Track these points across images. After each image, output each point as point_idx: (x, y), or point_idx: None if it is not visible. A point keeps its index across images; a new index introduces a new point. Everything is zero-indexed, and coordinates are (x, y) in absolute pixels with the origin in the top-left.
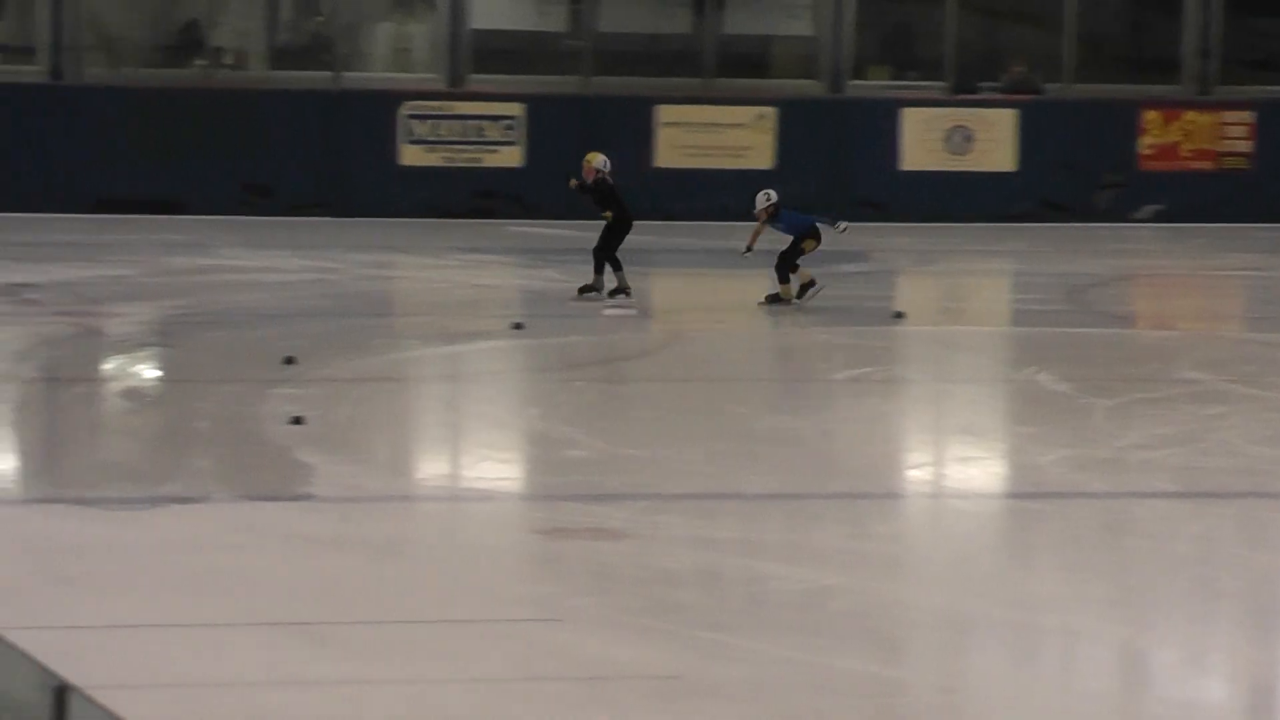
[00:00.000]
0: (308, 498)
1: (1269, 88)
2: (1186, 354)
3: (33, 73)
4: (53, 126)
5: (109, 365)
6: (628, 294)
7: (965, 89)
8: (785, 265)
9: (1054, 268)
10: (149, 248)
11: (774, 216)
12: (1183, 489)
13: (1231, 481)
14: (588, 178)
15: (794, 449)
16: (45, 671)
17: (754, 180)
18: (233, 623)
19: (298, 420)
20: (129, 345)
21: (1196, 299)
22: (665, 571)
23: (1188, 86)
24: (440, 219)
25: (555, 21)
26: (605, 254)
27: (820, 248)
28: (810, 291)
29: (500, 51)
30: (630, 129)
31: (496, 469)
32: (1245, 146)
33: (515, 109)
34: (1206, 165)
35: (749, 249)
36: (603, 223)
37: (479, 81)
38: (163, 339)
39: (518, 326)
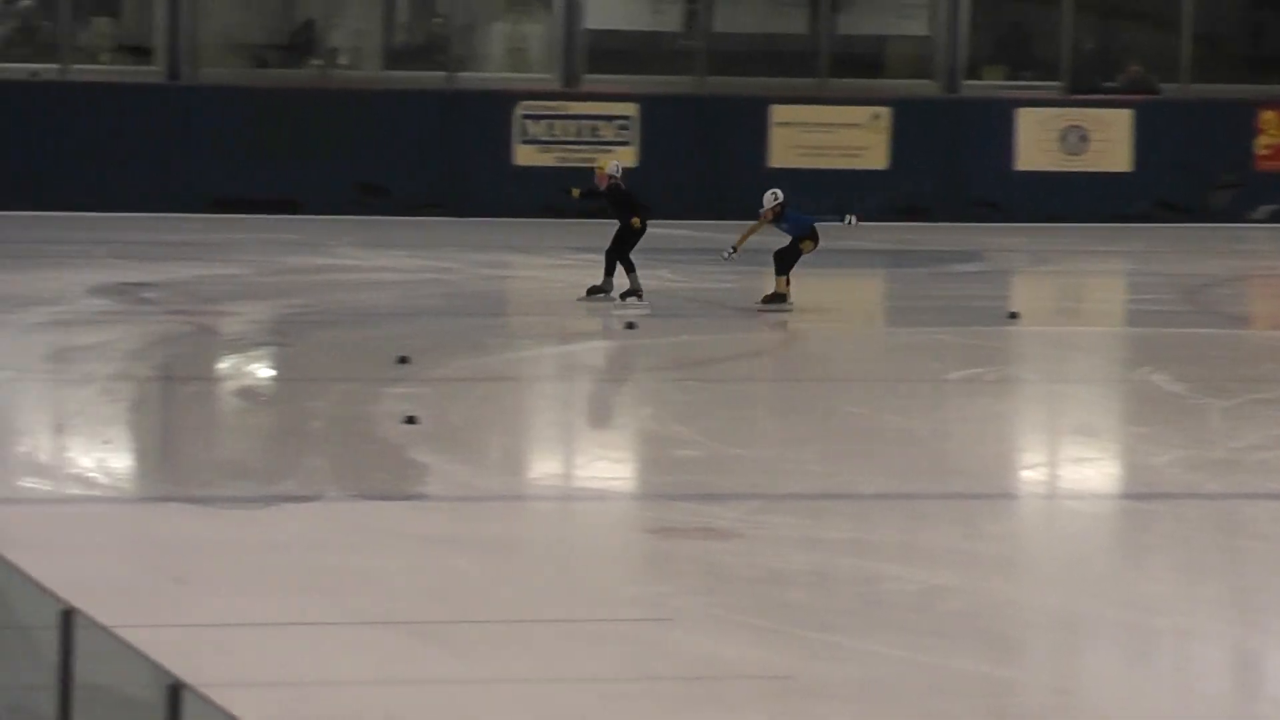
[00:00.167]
0: (421, 497)
1: None
2: None
3: (150, 73)
4: (169, 127)
5: (224, 364)
6: (639, 297)
7: (1081, 89)
8: (785, 263)
9: (1169, 268)
10: (264, 247)
11: (779, 217)
12: None
13: None
14: (600, 184)
15: (907, 449)
16: (160, 669)
17: (868, 180)
18: (346, 622)
19: (411, 420)
20: (244, 344)
21: None
22: (776, 571)
23: None
24: (554, 219)
25: (670, 21)
26: (618, 257)
27: (819, 247)
28: (776, 305)
29: (615, 51)
30: (744, 129)
31: (608, 468)
32: None
33: (629, 109)
34: None
35: (734, 250)
36: (615, 224)
37: (593, 81)
38: (277, 338)
39: (631, 326)
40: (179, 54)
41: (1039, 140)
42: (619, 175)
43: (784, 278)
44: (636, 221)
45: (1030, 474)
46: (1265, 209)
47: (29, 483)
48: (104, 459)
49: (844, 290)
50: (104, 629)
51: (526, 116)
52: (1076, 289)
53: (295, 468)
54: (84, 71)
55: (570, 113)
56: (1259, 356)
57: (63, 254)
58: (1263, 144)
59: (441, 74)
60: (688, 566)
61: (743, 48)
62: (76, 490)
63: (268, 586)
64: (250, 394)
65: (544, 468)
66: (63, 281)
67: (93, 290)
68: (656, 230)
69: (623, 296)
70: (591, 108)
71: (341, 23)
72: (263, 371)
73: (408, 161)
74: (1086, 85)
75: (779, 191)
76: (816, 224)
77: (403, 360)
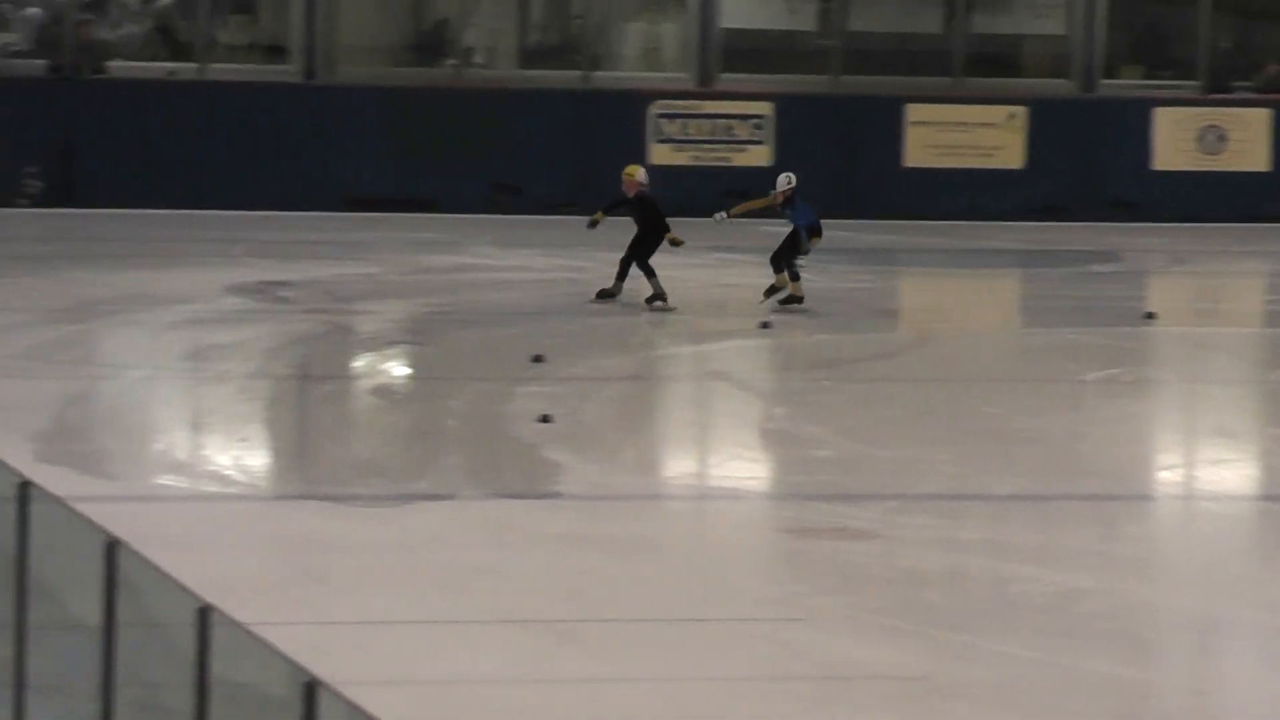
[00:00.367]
0: (555, 496)
1: None
2: None
3: (286, 72)
4: (305, 126)
5: (360, 363)
6: (664, 300)
7: (1218, 89)
8: (781, 259)
9: None
10: (400, 246)
11: (788, 201)
12: None
13: None
14: (629, 192)
15: (1042, 450)
16: (295, 667)
17: (1003, 180)
18: (480, 620)
19: (546, 419)
20: (379, 343)
21: None
22: (911, 572)
23: None
24: (689, 218)
25: (805, 20)
26: (638, 263)
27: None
28: (779, 296)
29: (750, 50)
30: (879, 128)
31: (743, 468)
32: None
33: (764, 108)
34: None
35: (728, 215)
36: (632, 230)
37: (728, 81)
38: (413, 337)
39: (765, 326)
40: (315, 54)
41: (1176, 140)
42: (647, 183)
43: (783, 275)
44: (678, 239)
45: (1167, 475)
46: None
47: (166, 480)
48: (240, 457)
49: (979, 290)
50: (240, 626)
51: (661, 116)
52: (1214, 289)
53: (430, 466)
54: (220, 71)
55: (705, 112)
56: None
57: (200, 253)
58: None
59: (576, 73)
60: (822, 566)
61: (878, 47)
62: (213, 488)
63: (402, 584)
64: (386, 393)
65: (678, 467)
66: (200, 280)
67: (230, 289)
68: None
69: (648, 301)
70: (726, 107)
71: (476, 22)
72: (398, 370)
73: (543, 160)
74: (1224, 85)
75: (793, 176)
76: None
77: (537, 359)
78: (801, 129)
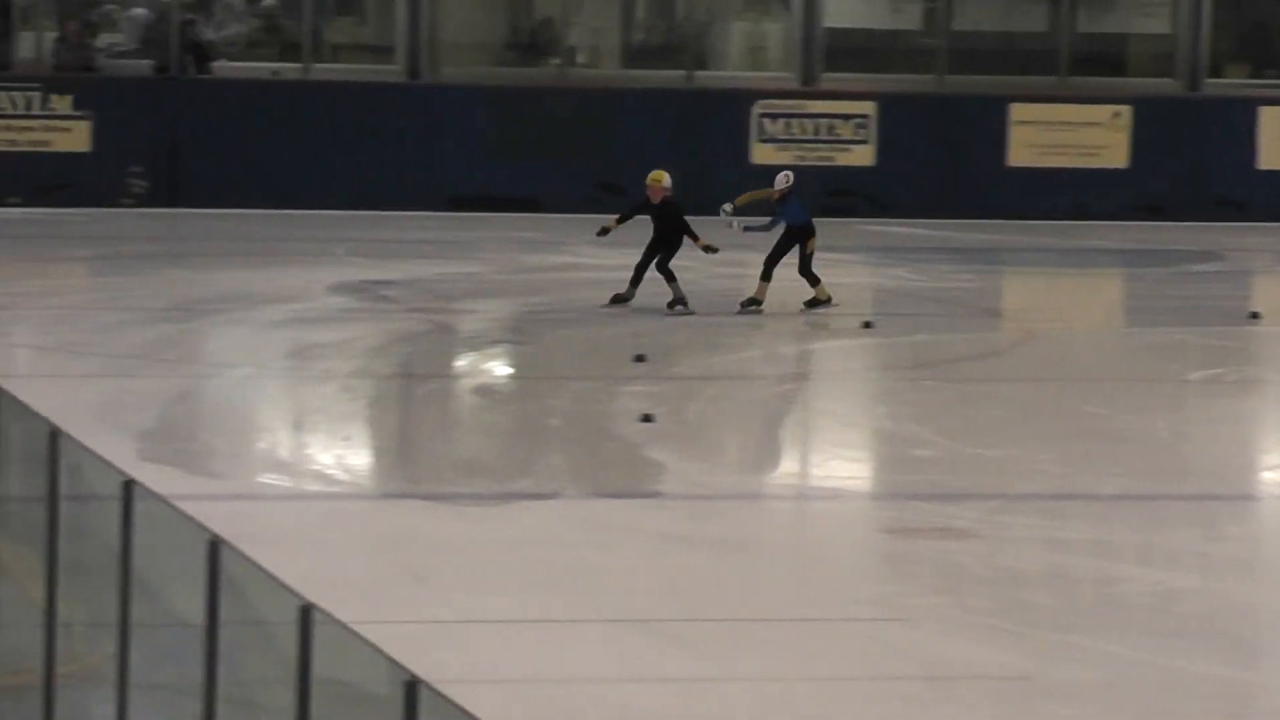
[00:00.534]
0: (657, 495)
1: None
2: None
3: (390, 72)
4: (409, 125)
5: (462, 362)
6: (685, 304)
7: None
8: (772, 264)
9: None
10: (503, 245)
11: (783, 198)
12: None
13: None
14: (654, 198)
15: (1146, 450)
16: (396, 665)
17: (1107, 179)
18: (582, 619)
19: (648, 418)
20: (482, 342)
21: None
22: (1014, 572)
23: None
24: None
25: (909, 20)
26: (658, 267)
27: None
28: (824, 307)
29: (853, 50)
30: (983, 127)
31: (844, 467)
32: None
33: (867, 107)
34: None
35: (734, 207)
36: (650, 235)
37: (831, 80)
38: (516, 336)
39: (868, 325)
40: (419, 53)
41: None
42: (671, 189)
43: (766, 285)
44: (708, 246)
45: (1271, 475)
46: None
47: (268, 479)
48: (343, 455)
49: (1082, 290)
50: (341, 624)
51: (764, 115)
52: None
53: (532, 465)
54: (326, 71)
55: (808, 111)
56: None
57: (303, 252)
58: None
59: (680, 73)
60: (924, 566)
61: (982, 46)
62: (315, 486)
63: (504, 583)
64: (488, 392)
65: (779, 466)
66: (303, 279)
67: (333, 288)
68: (895, 229)
69: (670, 305)
70: (830, 106)
71: (579, 21)
72: (500, 369)
73: (646, 160)
74: None
75: (791, 174)
76: (750, 230)
77: (639, 359)
78: (904, 128)
